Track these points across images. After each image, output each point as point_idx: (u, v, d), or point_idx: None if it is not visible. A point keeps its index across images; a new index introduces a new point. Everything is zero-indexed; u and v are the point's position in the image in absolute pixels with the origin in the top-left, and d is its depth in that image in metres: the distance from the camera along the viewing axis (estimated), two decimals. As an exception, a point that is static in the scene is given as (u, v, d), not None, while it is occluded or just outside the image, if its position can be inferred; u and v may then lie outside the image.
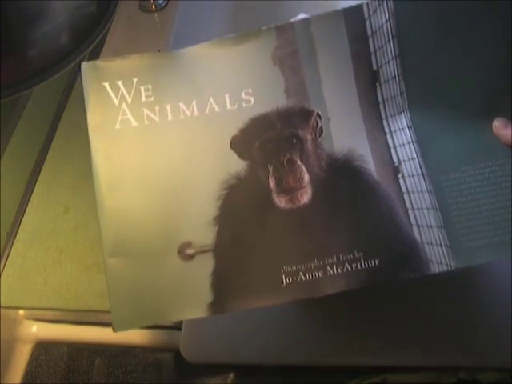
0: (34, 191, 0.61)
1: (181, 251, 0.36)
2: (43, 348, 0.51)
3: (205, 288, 0.35)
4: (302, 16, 0.61)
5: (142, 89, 0.38)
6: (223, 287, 0.35)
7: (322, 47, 0.37)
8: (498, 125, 0.35)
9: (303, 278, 0.35)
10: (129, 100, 0.38)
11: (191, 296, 0.35)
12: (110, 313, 0.51)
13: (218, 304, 0.35)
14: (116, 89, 0.38)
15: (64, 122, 0.67)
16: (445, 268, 0.34)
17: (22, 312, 0.53)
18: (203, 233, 0.36)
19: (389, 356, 0.45)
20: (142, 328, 0.37)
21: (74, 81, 0.70)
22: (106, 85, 0.37)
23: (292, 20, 0.40)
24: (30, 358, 0.51)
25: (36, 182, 0.62)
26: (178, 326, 0.49)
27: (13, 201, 0.61)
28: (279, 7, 0.80)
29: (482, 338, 0.46)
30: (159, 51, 0.64)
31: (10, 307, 0.52)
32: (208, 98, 0.38)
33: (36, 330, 0.52)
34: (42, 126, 0.66)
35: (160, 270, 0.36)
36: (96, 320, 0.52)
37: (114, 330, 0.35)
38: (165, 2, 0.85)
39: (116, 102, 0.38)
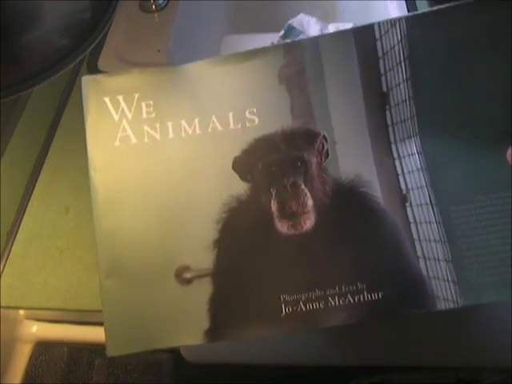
0: (34, 191, 0.61)
1: (178, 275, 0.35)
2: (43, 348, 0.51)
3: (202, 314, 0.34)
4: (301, 16, 0.61)
5: (144, 105, 0.37)
6: (220, 314, 0.34)
7: (330, 67, 0.36)
8: None
9: (303, 309, 0.33)
10: (129, 116, 0.37)
11: (187, 322, 0.34)
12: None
13: (214, 332, 0.34)
14: (116, 104, 0.37)
15: (64, 122, 0.67)
16: (451, 305, 0.32)
17: (21, 312, 0.53)
18: (202, 256, 0.35)
19: (389, 356, 0.45)
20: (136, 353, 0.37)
21: (73, 81, 0.70)
22: (107, 100, 0.37)
23: (292, 22, 0.39)
24: (30, 357, 0.51)
25: (36, 181, 0.62)
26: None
27: (13, 201, 0.61)
28: (279, 7, 0.80)
29: (481, 338, 0.46)
30: (159, 51, 0.64)
31: (9, 307, 0.52)
32: (211, 116, 0.37)
33: (36, 329, 0.52)
34: (42, 126, 0.66)
35: (156, 294, 0.35)
36: (96, 320, 0.52)
37: (107, 354, 0.34)
38: (165, 2, 0.85)
39: (116, 117, 0.37)
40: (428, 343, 0.46)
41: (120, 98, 0.37)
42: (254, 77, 0.37)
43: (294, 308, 0.33)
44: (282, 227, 0.35)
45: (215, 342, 0.34)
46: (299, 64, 0.36)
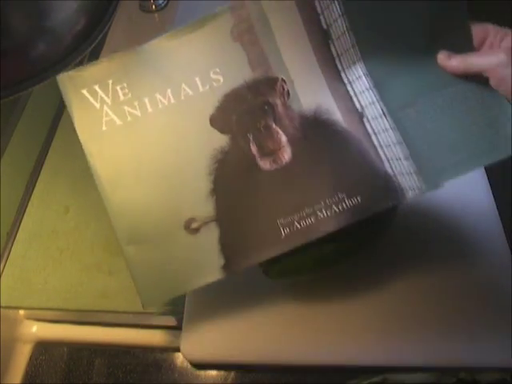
0: (34, 191, 0.61)
1: (187, 227, 0.40)
2: (43, 348, 0.51)
3: (215, 254, 0.40)
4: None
5: (119, 88, 0.40)
6: (231, 250, 0.40)
7: (274, 18, 0.41)
8: (442, 57, 0.38)
9: (299, 226, 0.39)
10: (109, 101, 0.40)
11: (205, 264, 0.40)
12: (110, 313, 0.51)
13: (229, 265, 0.40)
14: (94, 93, 0.40)
15: (64, 122, 0.67)
16: (417, 192, 0.39)
17: (22, 312, 0.53)
18: (203, 206, 0.40)
19: (389, 356, 0.45)
20: (166, 303, 0.44)
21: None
22: (85, 91, 0.39)
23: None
24: (30, 357, 0.51)
25: (36, 181, 0.62)
26: (178, 326, 0.49)
27: (13, 201, 0.61)
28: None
29: (481, 338, 0.46)
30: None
31: (10, 307, 0.52)
32: (180, 84, 0.40)
33: (36, 329, 0.52)
34: (42, 126, 0.66)
35: (172, 248, 0.40)
36: (96, 320, 0.52)
37: (143, 308, 0.39)
38: (165, 2, 0.85)
39: (97, 105, 0.40)
40: (428, 343, 0.46)
41: (96, 87, 0.40)
42: (210, 41, 0.41)
43: (291, 228, 0.39)
44: (265, 164, 0.40)
45: (233, 274, 0.39)
46: (247, 21, 0.41)
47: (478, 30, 0.39)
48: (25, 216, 0.60)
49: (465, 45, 0.39)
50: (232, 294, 0.49)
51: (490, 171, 0.58)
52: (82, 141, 0.40)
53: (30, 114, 0.65)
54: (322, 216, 0.39)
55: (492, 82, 0.38)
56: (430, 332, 0.46)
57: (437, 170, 0.39)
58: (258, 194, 0.40)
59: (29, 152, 0.66)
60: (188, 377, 0.49)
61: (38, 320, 0.53)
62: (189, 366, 0.49)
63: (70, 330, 0.52)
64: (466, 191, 0.55)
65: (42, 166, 0.62)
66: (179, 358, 0.49)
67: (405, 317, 0.47)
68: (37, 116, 0.67)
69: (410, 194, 0.39)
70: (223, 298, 0.49)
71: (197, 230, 0.40)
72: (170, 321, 0.51)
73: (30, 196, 0.61)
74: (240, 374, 0.48)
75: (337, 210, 0.39)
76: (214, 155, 0.40)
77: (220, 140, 0.40)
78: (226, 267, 0.40)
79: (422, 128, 0.39)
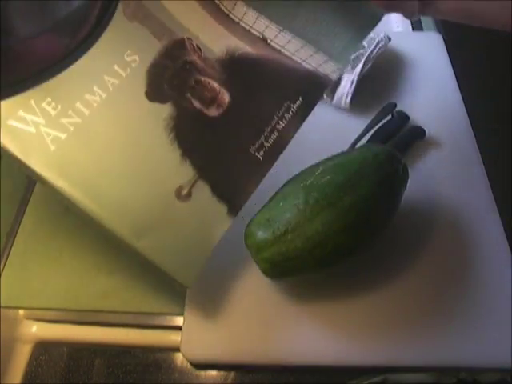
0: (34, 191, 0.61)
1: (179, 197, 0.42)
2: (43, 348, 0.51)
3: (216, 205, 0.43)
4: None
5: (45, 104, 0.39)
6: (227, 193, 0.44)
7: None
8: None
9: (269, 145, 0.45)
10: (42, 121, 0.39)
11: (212, 218, 0.43)
12: (109, 313, 0.51)
13: (233, 207, 0.44)
14: (23, 120, 0.38)
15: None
16: (338, 71, 0.48)
17: (21, 312, 0.53)
18: (183, 172, 0.42)
19: (389, 356, 0.45)
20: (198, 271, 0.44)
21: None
22: (12, 122, 0.38)
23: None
24: (30, 358, 0.51)
25: (36, 181, 0.62)
26: (178, 326, 0.49)
27: (13, 201, 0.61)
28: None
29: (481, 338, 0.46)
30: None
31: (9, 307, 0.52)
32: (103, 77, 0.41)
33: (36, 329, 0.52)
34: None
35: (177, 221, 0.42)
36: (96, 320, 0.52)
37: (188, 288, 0.43)
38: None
39: (33, 129, 0.38)
40: (428, 343, 0.46)
41: (21, 112, 0.38)
42: (109, 30, 0.42)
43: (264, 149, 0.45)
44: (213, 112, 0.44)
45: (238, 213, 0.44)
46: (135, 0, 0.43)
47: None
48: (25, 216, 0.59)
49: None
50: (232, 294, 0.49)
51: (490, 171, 0.58)
52: (37, 170, 0.38)
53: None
54: (281, 127, 0.45)
55: None
56: (430, 332, 0.46)
57: (340, 51, 0.49)
58: (221, 138, 0.44)
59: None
60: (188, 377, 0.49)
61: (38, 320, 0.53)
62: (189, 366, 0.49)
63: (69, 330, 0.52)
64: (466, 191, 0.55)
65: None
66: (179, 358, 0.49)
67: (405, 317, 0.47)
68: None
69: (334, 76, 0.48)
70: (223, 298, 0.49)
71: (189, 195, 0.42)
72: (170, 321, 0.51)
73: (30, 196, 0.61)
74: (240, 374, 0.48)
75: (289, 117, 0.46)
76: (167, 124, 0.42)
77: (165, 110, 0.42)
78: (230, 211, 0.43)
79: (315, 29, 0.48)
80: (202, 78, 0.44)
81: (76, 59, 0.39)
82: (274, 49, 0.47)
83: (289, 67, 0.47)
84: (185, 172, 0.42)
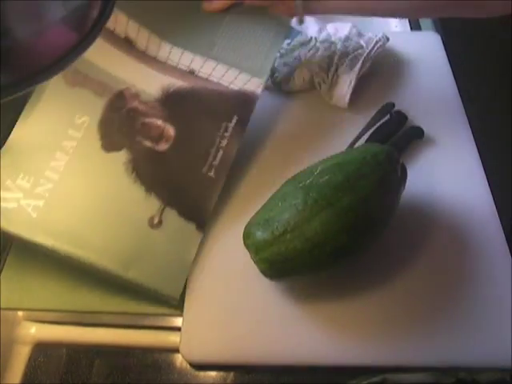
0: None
1: (152, 226, 0.47)
2: (42, 349, 0.51)
3: (185, 224, 0.48)
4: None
5: (20, 180, 0.45)
6: (192, 212, 0.49)
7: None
8: (205, 5, 0.49)
9: (217, 163, 0.50)
10: (21, 195, 0.45)
11: (185, 236, 0.48)
12: (109, 314, 0.51)
13: (200, 224, 0.49)
14: (4, 200, 0.44)
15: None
16: (261, 85, 0.53)
17: (20, 313, 0.53)
18: (151, 204, 0.47)
19: (389, 356, 0.45)
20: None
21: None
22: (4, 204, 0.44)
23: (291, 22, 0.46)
24: (29, 359, 0.51)
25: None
26: (177, 327, 0.49)
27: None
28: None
29: (481, 338, 0.46)
30: None
31: (8, 308, 0.52)
32: (61, 142, 0.47)
33: (35, 331, 0.52)
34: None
35: (156, 246, 0.47)
36: (95, 321, 0.52)
37: (176, 302, 0.46)
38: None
39: (15, 204, 0.44)
40: (428, 343, 0.46)
41: (2, 193, 0.44)
42: (54, 100, 0.48)
43: (214, 167, 0.50)
44: (163, 146, 0.49)
45: (205, 227, 0.49)
46: (70, 68, 0.45)
47: None
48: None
49: None
50: (231, 294, 0.49)
51: (490, 171, 0.58)
52: (26, 237, 0.44)
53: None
54: (224, 145, 0.50)
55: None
56: (430, 332, 0.46)
57: (260, 67, 0.53)
58: (176, 167, 0.49)
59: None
60: (187, 377, 0.49)
61: (37, 321, 0.53)
62: (188, 366, 0.49)
63: (68, 331, 0.52)
64: (466, 191, 0.55)
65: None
66: (178, 359, 0.49)
67: (405, 317, 0.47)
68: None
69: (259, 91, 0.53)
70: (223, 298, 0.49)
71: (160, 222, 0.47)
72: (169, 322, 0.51)
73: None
74: (240, 374, 0.48)
75: (229, 134, 0.50)
76: (126, 168, 0.48)
77: (122, 156, 0.48)
78: (198, 227, 0.49)
79: (233, 53, 0.53)
80: (147, 120, 0.50)
81: (73, 60, 0.39)
82: (202, 78, 0.53)
83: (219, 92, 0.52)
84: (152, 204, 0.47)
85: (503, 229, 0.52)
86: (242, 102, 0.52)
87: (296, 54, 0.67)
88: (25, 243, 0.45)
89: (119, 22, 0.51)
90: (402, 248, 0.51)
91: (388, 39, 0.67)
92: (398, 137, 0.59)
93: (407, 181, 0.49)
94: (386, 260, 0.50)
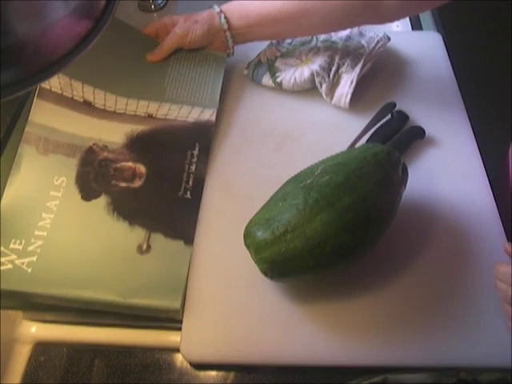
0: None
1: (142, 252, 0.50)
2: (42, 348, 0.51)
3: (173, 243, 0.51)
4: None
5: (12, 245, 0.48)
6: (178, 232, 0.52)
7: (52, 123, 0.56)
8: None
9: (191, 185, 0.55)
10: (15, 257, 0.48)
11: (175, 254, 0.51)
12: (108, 314, 0.51)
13: (187, 239, 0.52)
14: (1, 264, 0.47)
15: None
16: (213, 113, 0.61)
17: (21, 313, 0.53)
18: (136, 234, 0.51)
19: (389, 356, 0.45)
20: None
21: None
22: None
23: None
24: (30, 358, 0.51)
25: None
26: (177, 326, 0.49)
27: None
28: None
29: (481, 337, 0.46)
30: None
31: (9, 308, 0.52)
32: (45, 204, 0.51)
33: (35, 330, 0.52)
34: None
35: (150, 270, 0.50)
36: (95, 321, 0.52)
37: (178, 310, 0.48)
38: (164, 2, 0.85)
39: (10, 266, 0.47)
40: (428, 343, 0.46)
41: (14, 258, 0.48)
42: (29, 170, 0.53)
43: (189, 189, 0.55)
44: (138, 183, 0.55)
45: (193, 241, 0.52)
46: (39, 139, 0.54)
47: None
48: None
49: None
50: (232, 294, 0.49)
51: (490, 171, 0.58)
52: (26, 291, 0.47)
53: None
54: (193, 169, 0.56)
55: None
56: (430, 332, 0.46)
57: (210, 98, 0.62)
58: (153, 197, 0.54)
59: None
60: (187, 377, 0.49)
61: (37, 321, 0.53)
62: (188, 366, 0.49)
63: (69, 330, 0.52)
64: (467, 191, 0.55)
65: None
66: (179, 359, 0.49)
67: (405, 317, 0.47)
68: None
69: (213, 118, 0.60)
70: (223, 298, 0.49)
71: (149, 247, 0.51)
72: (170, 321, 0.51)
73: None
74: (240, 374, 0.48)
75: (195, 160, 0.57)
76: (108, 210, 0.52)
77: (101, 201, 0.52)
78: (186, 242, 0.52)
79: (183, 93, 0.61)
80: (118, 165, 0.55)
81: (73, 60, 0.39)
82: (160, 119, 0.59)
83: (178, 127, 0.59)
84: (138, 233, 0.51)
85: (504, 229, 0.52)
86: (201, 131, 0.59)
87: (297, 53, 0.67)
88: (26, 298, 0.48)
89: (75, 88, 0.57)
90: (403, 248, 0.51)
91: (389, 39, 0.67)
92: (399, 137, 0.59)
93: (408, 181, 0.49)
94: (387, 260, 0.50)
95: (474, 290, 0.48)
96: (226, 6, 0.63)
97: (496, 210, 0.54)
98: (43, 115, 0.55)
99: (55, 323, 0.52)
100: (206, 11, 0.63)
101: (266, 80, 0.66)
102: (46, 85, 0.56)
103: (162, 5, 0.85)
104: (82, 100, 0.57)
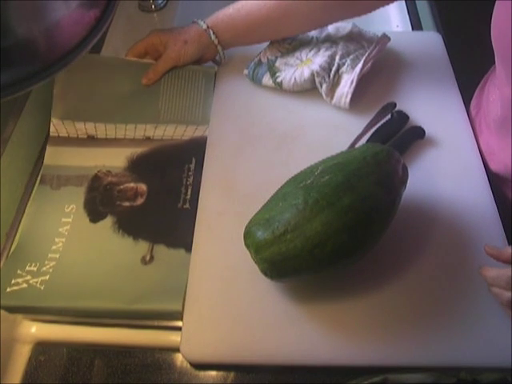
0: (34, 191, 0.61)
1: (146, 263, 0.53)
2: (42, 348, 0.51)
3: (174, 252, 0.54)
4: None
5: (28, 267, 0.52)
6: (180, 241, 0.55)
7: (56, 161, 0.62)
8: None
9: (189, 196, 0.58)
10: (30, 277, 0.51)
11: (176, 261, 0.53)
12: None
13: (188, 247, 0.54)
14: (16, 284, 0.51)
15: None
16: (206, 129, 0.64)
17: (21, 312, 0.53)
18: (140, 247, 0.54)
19: (389, 356, 0.45)
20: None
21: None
22: (10, 288, 0.51)
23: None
24: (30, 358, 0.51)
25: (36, 182, 0.62)
26: (178, 326, 0.49)
27: (13, 201, 0.61)
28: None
29: (481, 338, 0.46)
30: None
31: (9, 308, 0.52)
32: (58, 230, 0.56)
33: (35, 330, 0.52)
34: (42, 125, 0.66)
35: (154, 278, 0.52)
36: (96, 321, 0.52)
37: (180, 311, 0.49)
38: (164, 2, 0.85)
39: (25, 285, 0.51)
40: (428, 343, 0.46)
41: (13, 280, 0.51)
42: (39, 202, 0.58)
43: (188, 200, 0.58)
44: (140, 201, 0.58)
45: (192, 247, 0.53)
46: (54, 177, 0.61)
47: None
48: (24, 216, 0.59)
49: None
50: (232, 294, 0.49)
51: (491, 171, 0.58)
52: (37, 306, 0.50)
53: (30, 114, 0.65)
54: (191, 181, 0.59)
55: None
56: (430, 332, 0.46)
57: (202, 116, 0.65)
58: (155, 211, 0.57)
59: (29, 152, 0.66)
60: (187, 377, 0.49)
61: (37, 321, 0.53)
62: (188, 366, 0.49)
63: (69, 330, 0.52)
64: (466, 191, 0.55)
65: (41, 165, 0.62)
66: (179, 359, 0.49)
67: (405, 317, 0.47)
68: (36, 115, 0.67)
69: (207, 133, 0.64)
70: (223, 298, 0.49)
71: (152, 258, 0.54)
72: (170, 321, 0.51)
73: (30, 196, 0.61)
74: (240, 374, 0.48)
75: (192, 172, 0.60)
76: (114, 228, 0.56)
77: (108, 221, 0.56)
78: (187, 250, 0.54)
79: (176, 113, 0.65)
80: (121, 187, 0.59)
81: (73, 60, 0.39)
82: (157, 140, 0.64)
83: (175, 145, 0.63)
84: (141, 246, 0.54)
85: (504, 228, 0.52)
86: (195, 146, 0.63)
87: (297, 53, 0.67)
88: (38, 312, 0.52)
89: (79, 129, 0.64)
90: (403, 248, 0.51)
91: (389, 39, 0.67)
92: (400, 137, 0.59)
93: (408, 181, 0.48)
94: (387, 260, 0.50)
95: (474, 290, 0.48)
96: (212, 21, 0.64)
97: (496, 210, 0.54)
98: (55, 158, 0.61)
99: (55, 323, 0.52)
100: (191, 28, 0.64)
101: (266, 80, 0.66)
102: (54, 133, 0.63)
103: (162, 5, 0.85)
104: (85, 136, 0.63)
